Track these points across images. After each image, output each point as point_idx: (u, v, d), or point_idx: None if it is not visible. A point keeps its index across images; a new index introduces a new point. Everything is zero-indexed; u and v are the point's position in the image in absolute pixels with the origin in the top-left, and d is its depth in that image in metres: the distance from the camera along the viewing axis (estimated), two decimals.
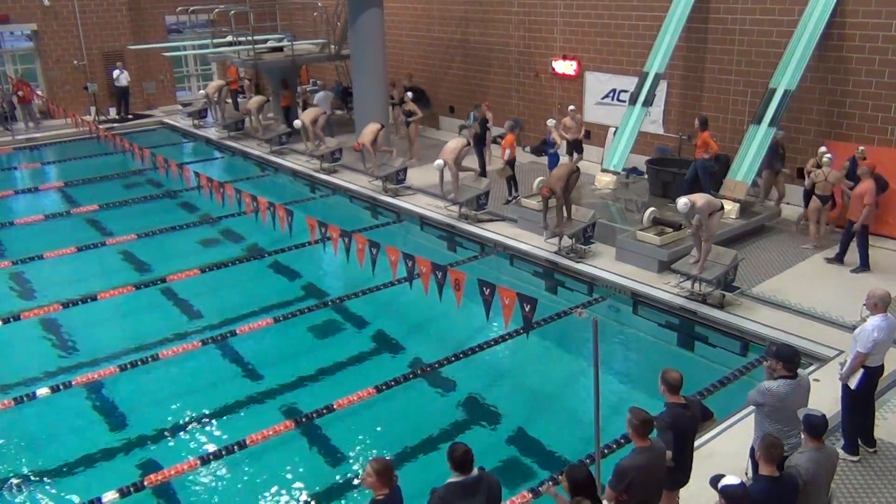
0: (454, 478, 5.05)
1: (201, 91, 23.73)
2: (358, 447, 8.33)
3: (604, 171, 15.31)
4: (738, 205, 12.84)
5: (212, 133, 22.13)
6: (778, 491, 5.12)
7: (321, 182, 17.51)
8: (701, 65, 15.20)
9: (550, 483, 6.36)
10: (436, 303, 9.43)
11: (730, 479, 4.84)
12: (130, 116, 24.14)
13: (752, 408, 6.48)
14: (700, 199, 10.44)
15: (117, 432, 8.71)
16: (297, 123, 18.32)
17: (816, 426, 5.41)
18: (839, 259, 11.51)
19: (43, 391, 9.13)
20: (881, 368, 7.12)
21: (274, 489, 7.67)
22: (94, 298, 11.40)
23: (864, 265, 11.29)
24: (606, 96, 17.06)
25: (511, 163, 14.61)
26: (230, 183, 14.71)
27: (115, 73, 23.53)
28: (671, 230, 11.84)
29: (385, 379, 9.15)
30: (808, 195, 12.18)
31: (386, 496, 4.93)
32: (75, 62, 23.95)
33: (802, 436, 5.55)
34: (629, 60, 16.37)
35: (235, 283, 12.62)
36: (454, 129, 20.46)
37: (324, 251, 12.34)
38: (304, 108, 20.47)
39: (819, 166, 11.93)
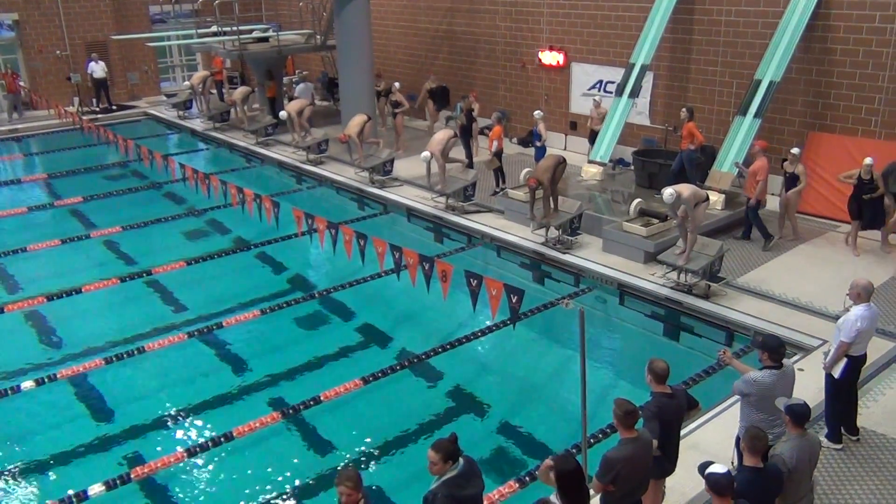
0: (448, 473, 5.04)
1: (186, 82, 23.55)
2: (345, 439, 8.33)
3: (590, 162, 15.34)
4: (723, 195, 12.90)
5: (197, 124, 21.98)
6: (762, 481, 5.17)
7: (307, 173, 17.44)
8: (687, 56, 15.24)
9: None
10: (423, 294, 9.43)
11: (716, 467, 4.89)
12: (114, 107, 23.93)
13: (737, 397, 6.53)
14: (686, 189, 10.48)
15: (103, 425, 8.67)
16: (282, 114, 18.22)
17: (799, 414, 5.46)
18: (746, 235, 12.22)
19: (28, 384, 9.08)
20: (864, 357, 7.18)
21: (261, 481, 7.66)
22: (78, 291, 11.34)
23: (768, 237, 11.95)
24: (593, 87, 17.07)
25: (499, 154, 14.61)
26: (216, 174, 14.63)
27: (91, 64, 23.29)
28: (657, 221, 11.89)
29: (372, 370, 9.16)
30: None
31: (364, 499, 4.94)
32: (58, 52, 23.69)
33: (786, 424, 5.60)
34: (615, 52, 16.39)
35: (221, 275, 12.57)
36: (440, 120, 20.43)
37: (310, 243, 12.33)
38: (291, 100, 20.39)
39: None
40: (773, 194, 13.70)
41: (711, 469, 4.87)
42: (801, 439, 5.47)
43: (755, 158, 11.93)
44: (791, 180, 11.81)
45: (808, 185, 12.05)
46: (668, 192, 10.35)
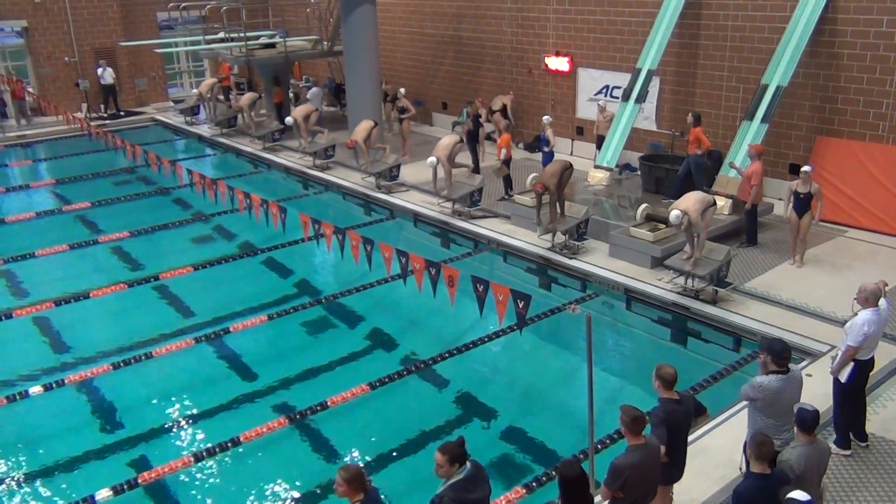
0: (455, 477, 5.04)
1: (194, 90, 23.65)
2: (352, 444, 8.33)
3: (597, 167, 15.33)
4: (730, 201, 12.87)
5: (204, 130, 22.06)
6: (768, 488, 5.13)
7: (314, 179, 17.48)
8: (693, 61, 15.23)
9: None
10: (429, 299, 9.44)
11: (799, 494, 4.80)
12: (122, 113, 24.04)
13: (744, 403, 6.50)
14: (692, 204, 10.36)
15: (110, 430, 8.69)
16: (288, 120, 18.29)
17: (808, 420, 5.43)
18: (751, 241, 12.15)
19: (36, 389, 9.10)
20: (872, 362, 7.15)
21: (268, 486, 7.66)
22: (86, 296, 11.38)
23: (752, 241, 12.12)
24: (599, 93, 17.07)
25: (507, 162, 14.60)
26: (223, 180, 14.68)
27: (99, 70, 23.43)
28: (664, 226, 11.85)
29: (379, 376, 9.16)
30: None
31: (362, 501, 4.94)
32: (66, 59, 23.82)
33: (795, 430, 5.57)
34: (622, 57, 16.39)
35: (228, 280, 12.59)
36: (447, 125, 20.47)
37: (317, 248, 12.34)
38: (297, 104, 20.45)
39: None
40: (773, 198, 13.70)
41: (794, 495, 4.79)
42: (810, 446, 5.44)
43: (751, 162, 11.87)
44: (804, 201, 10.96)
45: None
46: (674, 213, 10.29)
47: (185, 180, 15.07)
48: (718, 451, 7.24)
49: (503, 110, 18.14)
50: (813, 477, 5.46)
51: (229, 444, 8.03)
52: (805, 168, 11.26)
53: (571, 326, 10.32)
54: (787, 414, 6.00)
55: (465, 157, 15.74)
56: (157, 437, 8.50)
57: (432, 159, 14.24)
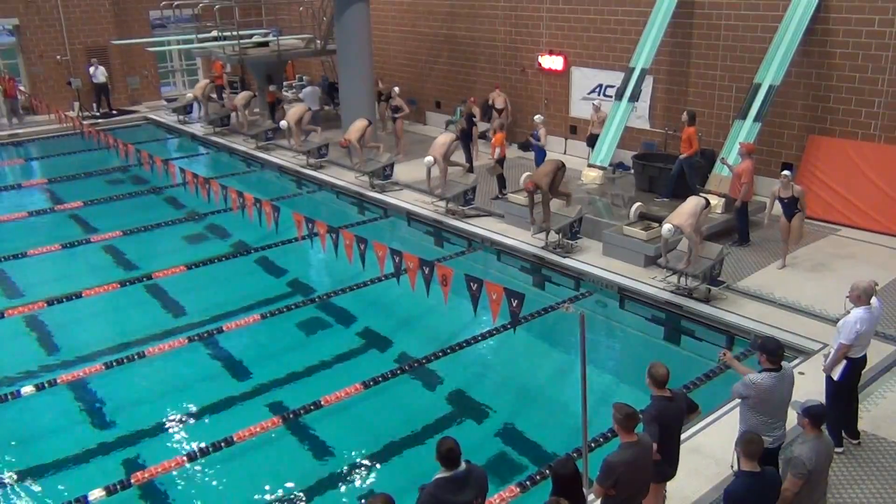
0: (442, 473, 5.06)
1: (189, 94, 23.58)
2: (345, 443, 8.32)
3: (590, 166, 15.34)
4: (723, 199, 12.90)
5: (197, 129, 22.00)
6: (759, 486, 5.15)
7: (308, 178, 17.46)
8: (686, 60, 15.26)
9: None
10: (423, 298, 9.43)
11: None
12: (114, 112, 23.96)
13: (737, 401, 6.52)
14: (685, 219, 10.27)
15: (103, 430, 8.66)
16: (282, 124, 18.23)
17: (817, 415, 5.46)
18: (743, 240, 12.16)
19: (28, 389, 9.07)
20: (864, 360, 7.18)
21: (261, 486, 7.65)
22: (78, 296, 11.34)
23: (744, 239, 12.14)
24: (592, 92, 17.09)
25: (501, 161, 14.60)
26: (216, 179, 14.65)
27: (91, 69, 23.33)
28: (657, 225, 11.87)
29: (372, 375, 9.16)
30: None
31: None
32: (58, 57, 23.75)
33: (801, 425, 5.56)
34: (615, 56, 16.41)
35: (222, 279, 12.56)
36: (440, 124, 20.47)
37: (311, 247, 12.33)
38: (280, 104, 20.52)
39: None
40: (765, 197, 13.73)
41: None
42: (818, 440, 5.46)
43: (741, 160, 11.88)
44: (788, 205, 10.91)
45: (809, 189, 11.97)
46: (667, 227, 10.23)
47: (177, 179, 15.05)
48: (711, 449, 7.26)
49: (501, 109, 18.17)
50: (822, 471, 5.49)
51: (223, 444, 8.01)
52: (785, 172, 11.15)
53: (565, 325, 10.33)
54: (779, 411, 6.03)
55: (459, 156, 15.74)
56: (151, 437, 8.48)
57: (429, 158, 14.22)
